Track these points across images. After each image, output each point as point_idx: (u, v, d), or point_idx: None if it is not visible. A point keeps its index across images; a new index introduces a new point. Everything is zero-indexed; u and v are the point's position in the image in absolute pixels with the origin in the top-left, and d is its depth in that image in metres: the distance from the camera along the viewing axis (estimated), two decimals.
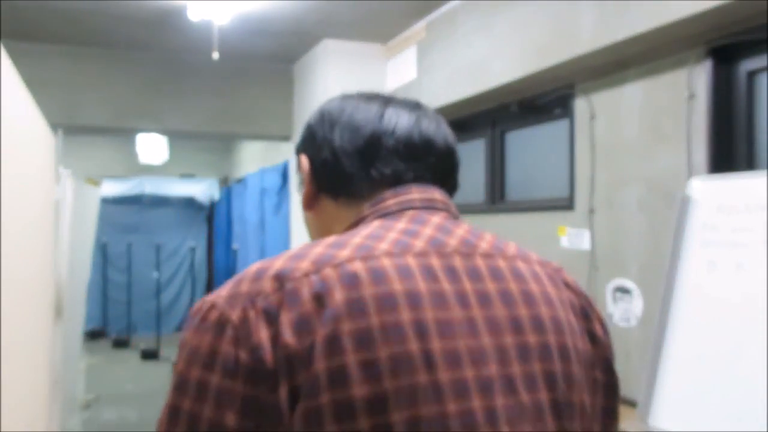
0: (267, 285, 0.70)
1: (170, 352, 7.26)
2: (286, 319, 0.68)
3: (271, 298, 0.69)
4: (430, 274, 0.74)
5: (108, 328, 9.06)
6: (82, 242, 4.70)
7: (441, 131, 0.89)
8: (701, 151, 2.61)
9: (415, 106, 0.90)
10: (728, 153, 2.60)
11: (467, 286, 0.75)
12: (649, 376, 2.32)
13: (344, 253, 0.73)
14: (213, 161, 9.85)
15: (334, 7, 4.08)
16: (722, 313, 2.16)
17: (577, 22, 2.94)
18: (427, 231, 0.79)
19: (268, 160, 7.13)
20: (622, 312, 2.95)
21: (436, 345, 0.69)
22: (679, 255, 2.34)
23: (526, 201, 3.79)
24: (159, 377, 6.78)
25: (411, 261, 0.74)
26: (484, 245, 0.81)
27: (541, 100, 3.61)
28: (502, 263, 0.80)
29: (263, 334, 0.67)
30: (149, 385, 6.50)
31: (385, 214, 0.82)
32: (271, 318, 0.68)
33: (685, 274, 2.31)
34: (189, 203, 9.47)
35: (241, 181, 8.44)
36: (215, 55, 4.20)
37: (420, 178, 0.86)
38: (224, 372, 0.68)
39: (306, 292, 0.69)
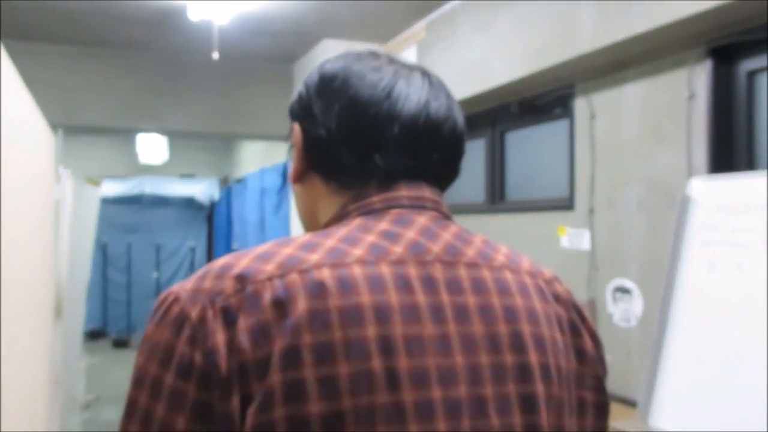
0: (228, 285, 0.67)
1: None
2: (243, 324, 0.65)
3: (231, 300, 0.66)
4: (404, 284, 0.69)
5: (108, 328, 9.05)
6: (82, 242, 4.69)
7: (451, 116, 0.81)
8: (701, 151, 2.61)
9: (425, 79, 0.82)
10: (728, 153, 2.60)
11: (444, 299, 0.71)
12: (649, 376, 2.31)
13: (314, 258, 0.69)
14: (213, 161, 9.84)
15: (334, 7, 4.08)
16: (722, 313, 2.16)
17: (577, 22, 2.94)
18: (410, 234, 0.74)
19: (268, 160, 7.14)
20: (622, 312, 2.95)
21: (402, 363, 0.66)
22: (679, 255, 2.34)
23: (526, 201, 3.79)
24: None
25: (385, 270, 0.69)
26: (470, 252, 0.75)
27: (541, 100, 3.61)
28: (486, 274, 0.75)
29: (219, 338, 0.65)
30: None
31: (369, 212, 0.76)
32: (229, 321, 0.65)
33: (685, 274, 2.31)
34: (189, 203, 9.46)
35: (241, 181, 8.45)
36: (215, 55, 4.20)
37: (415, 175, 0.80)
38: (178, 373, 0.65)
39: (267, 298, 0.66)
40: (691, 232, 2.33)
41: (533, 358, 0.73)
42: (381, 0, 3.94)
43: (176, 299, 0.68)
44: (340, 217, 0.78)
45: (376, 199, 0.77)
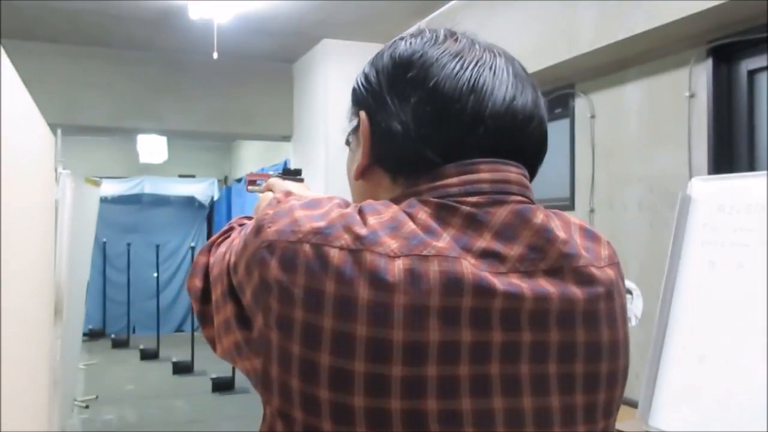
0: (347, 239, 0.62)
1: (170, 352, 7.25)
2: (330, 289, 0.60)
3: (341, 255, 0.61)
4: (482, 318, 0.63)
5: (107, 328, 9.05)
6: (82, 242, 4.69)
7: (537, 113, 0.73)
8: (701, 151, 2.61)
9: (509, 66, 0.75)
10: (728, 153, 2.60)
11: (522, 332, 0.64)
12: (649, 376, 2.31)
13: (440, 245, 0.63)
14: (213, 161, 9.84)
15: (334, 7, 4.08)
16: (722, 313, 2.16)
17: (577, 22, 2.94)
18: (486, 236, 0.65)
19: (268, 160, 7.13)
20: None
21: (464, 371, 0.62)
22: (679, 255, 2.33)
23: None
24: (159, 377, 6.77)
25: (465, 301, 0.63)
26: (551, 254, 0.66)
27: None
28: (568, 277, 0.67)
29: (299, 278, 0.61)
30: (149, 385, 6.49)
31: (445, 196, 0.67)
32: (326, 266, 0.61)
33: (685, 274, 2.30)
34: (189, 203, 9.46)
35: (241, 180, 8.44)
36: (215, 55, 4.20)
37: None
38: (247, 266, 0.66)
39: (394, 275, 0.60)
40: (691, 232, 2.32)
41: (604, 366, 0.69)
42: (381, 0, 3.94)
43: (272, 232, 0.65)
44: (411, 194, 0.69)
45: (454, 181, 0.67)
